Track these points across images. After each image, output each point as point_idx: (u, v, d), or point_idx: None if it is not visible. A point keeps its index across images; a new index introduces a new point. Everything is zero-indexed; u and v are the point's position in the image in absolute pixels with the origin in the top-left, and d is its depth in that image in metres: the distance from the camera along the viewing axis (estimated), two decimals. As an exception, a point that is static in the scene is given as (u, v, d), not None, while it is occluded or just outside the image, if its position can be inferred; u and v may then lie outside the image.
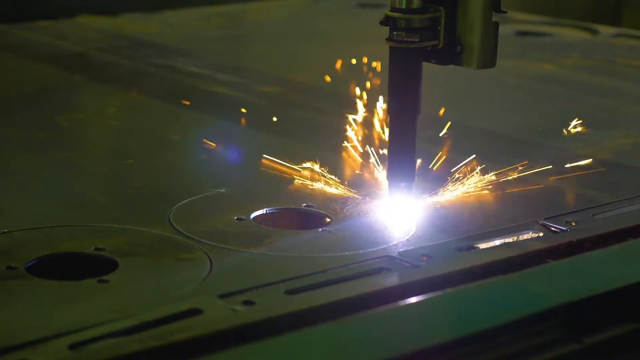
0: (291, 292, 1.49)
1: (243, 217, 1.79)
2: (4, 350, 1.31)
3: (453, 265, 1.59)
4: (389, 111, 1.80)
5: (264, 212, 1.83)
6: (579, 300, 1.47)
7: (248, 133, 2.29)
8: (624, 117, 2.59)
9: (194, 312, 1.41)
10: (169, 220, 1.77)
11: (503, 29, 3.63)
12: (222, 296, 1.46)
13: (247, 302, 1.44)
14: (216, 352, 1.31)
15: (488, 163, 2.11)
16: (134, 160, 2.18)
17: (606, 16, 4.81)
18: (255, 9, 4.02)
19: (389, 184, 1.83)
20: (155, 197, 1.94)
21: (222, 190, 1.94)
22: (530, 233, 1.73)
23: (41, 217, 1.78)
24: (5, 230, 1.70)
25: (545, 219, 1.78)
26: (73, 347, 1.32)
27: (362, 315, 1.41)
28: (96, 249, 1.63)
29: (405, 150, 1.80)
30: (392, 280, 1.54)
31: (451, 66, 1.79)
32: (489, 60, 1.75)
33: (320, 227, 1.78)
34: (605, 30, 3.61)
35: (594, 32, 3.59)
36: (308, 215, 1.84)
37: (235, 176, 2.04)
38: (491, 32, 1.74)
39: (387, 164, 1.83)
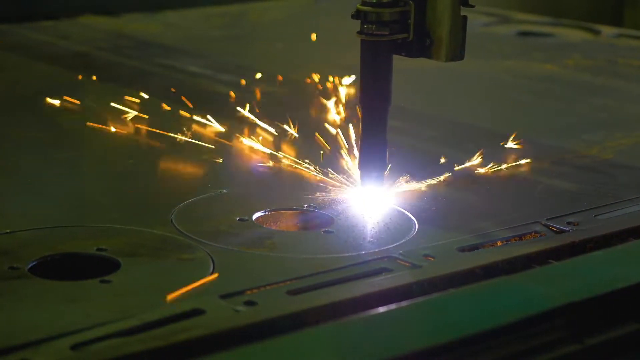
0: (293, 292, 1.49)
1: (245, 217, 1.79)
2: (5, 350, 1.31)
3: (455, 265, 1.59)
4: (361, 103, 1.83)
5: (266, 212, 1.83)
6: (581, 301, 1.47)
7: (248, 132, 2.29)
8: (626, 117, 2.59)
9: (196, 312, 1.41)
10: (171, 220, 1.77)
11: (505, 30, 3.64)
12: (224, 296, 1.46)
13: (249, 303, 1.44)
14: (218, 352, 1.31)
15: (485, 163, 2.11)
16: (136, 160, 2.18)
17: (607, 16, 4.82)
18: (257, 9, 4.02)
19: (361, 174, 1.86)
20: (158, 197, 1.94)
21: (225, 190, 1.94)
22: (533, 233, 1.73)
23: (43, 217, 1.78)
24: (8, 231, 1.70)
25: (548, 219, 1.78)
26: (75, 347, 1.32)
27: (364, 316, 1.41)
28: (98, 250, 1.63)
29: (376, 141, 1.83)
30: (394, 280, 1.54)
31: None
32: (457, 53, 1.78)
33: (322, 228, 1.78)
34: (607, 30, 3.62)
35: (596, 32, 3.59)
36: (310, 216, 1.84)
37: (237, 177, 2.04)
38: (460, 25, 1.77)
39: (359, 154, 1.87)
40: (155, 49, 3.25)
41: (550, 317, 1.44)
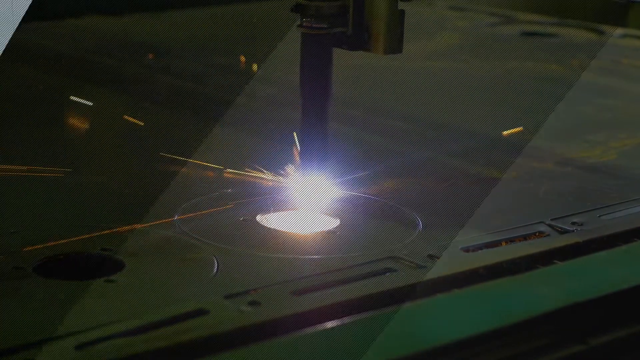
0: (297, 292, 1.49)
1: (249, 217, 1.80)
2: (10, 350, 1.31)
3: (459, 265, 1.59)
4: (301, 95, 1.85)
5: (270, 212, 1.83)
6: (585, 301, 1.47)
7: (250, 135, 2.30)
8: (630, 117, 2.59)
9: (200, 312, 1.41)
10: (175, 220, 1.77)
11: (509, 30, 3.63)
12: (228, 297, 1.46)
13: (253, 303, 1.45)
14: (222, 353, 1.32)
15: (489, 164, 2.12)
16: (138, 161, 2.18)
17: (612, 17, 4.81)
18: (259, 10, 4.02)
19: (302, 166, 1.87)
20: (161, 197, 1.94)
21: (229, 190, 1.95)
22: (537, 233, 1.73)
23: (46, 218, 1.78)
24: (12, 231, 1.71)
25: (552, 219, 1.78)
26: (79, 347, 1.32)
27: (368, 316, 1.41)
28: (102, 250, 1.63)
29: (317, 133, 1.85)
30: (397, 281, 1.54)
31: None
32: (395, 46, 1.81)
33: (325, 228, 1.78)
34: (611, 30, 3.61)
35: (600, 32, 3.59)
36: (311, 217, 1.84)
37: (240, 177, 2.04)
38: (397, 19, 1.80)
39: (300, 146, 1.88)
40: (157, 50, 3.25)
41: (554, 318, 1.44)
